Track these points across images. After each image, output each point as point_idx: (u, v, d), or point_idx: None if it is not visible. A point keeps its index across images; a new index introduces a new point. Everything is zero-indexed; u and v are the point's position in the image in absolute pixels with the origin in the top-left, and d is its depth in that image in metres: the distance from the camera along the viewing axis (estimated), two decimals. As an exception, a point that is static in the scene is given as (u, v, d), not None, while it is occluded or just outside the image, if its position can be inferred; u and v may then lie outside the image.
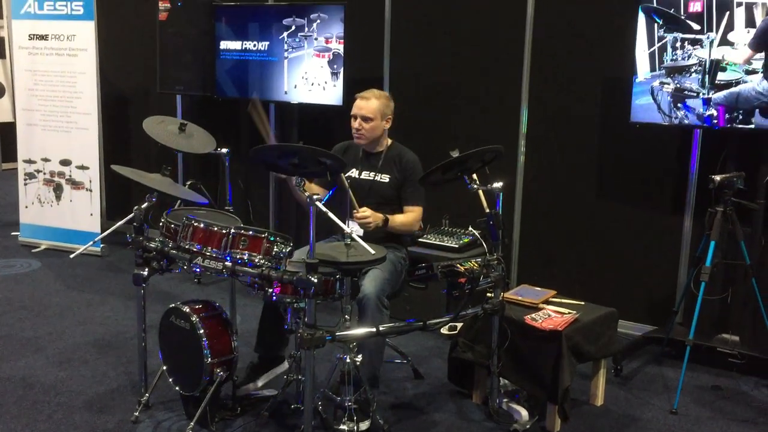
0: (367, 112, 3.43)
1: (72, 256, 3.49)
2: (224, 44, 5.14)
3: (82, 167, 5.69)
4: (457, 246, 4.35)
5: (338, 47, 4.72)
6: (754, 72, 3.50)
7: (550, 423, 3.16)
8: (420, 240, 4.43)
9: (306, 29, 4.82)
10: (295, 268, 2.86)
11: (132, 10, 6.06)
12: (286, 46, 4.90)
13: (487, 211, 3.08)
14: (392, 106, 3.52)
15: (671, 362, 3.92)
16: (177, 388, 3.16)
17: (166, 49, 5.31)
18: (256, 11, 5.08)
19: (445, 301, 4.07)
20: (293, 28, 4.87)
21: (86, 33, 5.57)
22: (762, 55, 3.48)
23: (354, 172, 3.54)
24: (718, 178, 3.51)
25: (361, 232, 3.30)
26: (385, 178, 3.48)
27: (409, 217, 3.50)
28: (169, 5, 5.22)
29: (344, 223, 2.85)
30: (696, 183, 4.09)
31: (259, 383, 3.35)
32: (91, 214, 5.70)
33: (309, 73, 4.85)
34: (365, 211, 3.29)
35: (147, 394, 3.23)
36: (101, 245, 5.68)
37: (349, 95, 4.49)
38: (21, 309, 4.52)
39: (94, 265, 5.50)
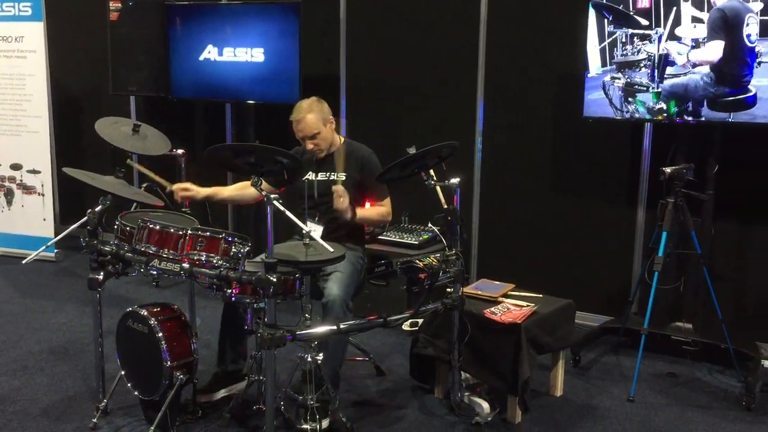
0: (310, 131, 3.41)
1: (25, 261, 3.41)
2: (177, 44, 5.07)
3: (34, 171, 5.57)
4: (416, 242, 4.37)
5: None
6: (700, 65, 3.59)
7: (511, 414, 3.21)
8: (380, 237, 4.44)
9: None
10: (254, 268, 2.84)
11: (82, 10, 5.95)
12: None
13: (445, 206, 3.11)
14: (325, 106, 3.49)
15: (628, 351, 4.00)
16: (136, 392, 3.11)
17: (117, 50, 5.23)
18: (210, 10, 5.02)
19: (406, 298, 4.09)
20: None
21: (35, 34, 5.46)
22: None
23: (311, 175, 3.53)
24: (668, 170, 3.60)
25: (318, 233, 3.29)
26: (342, 176, 3.48)
27: (376, 209, 3.53)
28: (120, 5, 5.13)
29: (303, 223, 2.84)
30: (648, 175, 4.19)
31: (218, 396, 3.31)
32: (44, 219, 5.59)
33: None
34: (339, 188, 3.28)
35: (105, 400, 3.18)
36: (55, 250, 5.57)
37: (306, 94, 4.48)
38: (-28, 318, 4.41)
39: (49, 270, 5.39)
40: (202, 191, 3.51)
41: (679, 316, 3.97)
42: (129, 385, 3.13)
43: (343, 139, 3.59)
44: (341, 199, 3.28)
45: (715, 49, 3.52)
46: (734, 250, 4.04)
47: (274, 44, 4.75)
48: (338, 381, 3.29)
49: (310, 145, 3.44)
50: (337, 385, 3.26)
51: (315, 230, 3.30)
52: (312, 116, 3.40)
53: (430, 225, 4.51)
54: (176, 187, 3.46)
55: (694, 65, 3.60)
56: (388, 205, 3.55)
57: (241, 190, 3.63)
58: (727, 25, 3.47)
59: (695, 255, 3.70)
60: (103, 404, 3.17)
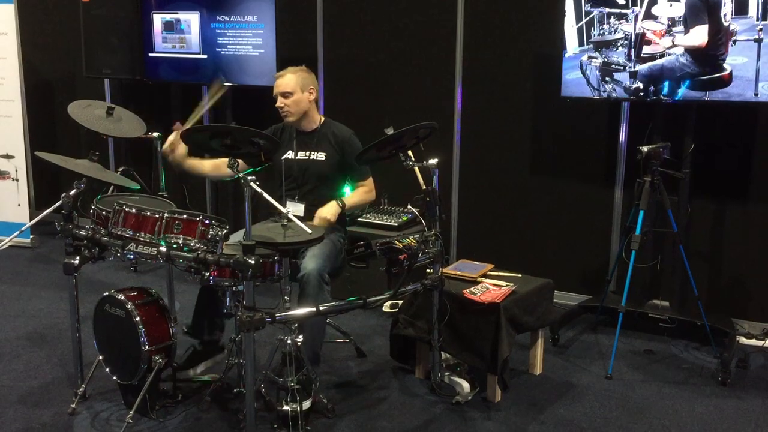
0: (285, 88, 3.41)
1: (-1, 247, 3.37)
2: (153, 25, 5.00)
3: (7, 156, 5.49)
4: (396, 224, 4.37)
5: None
6: (676, 46, 3.60)
7: (491, 393, 3.23)
8: (359, 219, 4.44)
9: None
10: (232, 250, 2.82)
11: (54, -9, 5.85)
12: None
13: (424, 187, 3.10)
14: (313, 78, 3.50)
15: (606, 329, 4.04)
16: (114, 377, 3.09)
17: (91, 32, 5.14)
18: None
19: (385, 279, 4.08)
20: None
21: (6, 16, 5.36)
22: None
23: (290, 154, 3.51)
24: (645, 149, 3.61)
25: (299, 212, 3.29)
26: (321, 156, 3.46)
27: (360, 191, 3.53)
28: (92, -14, 5.05)
29: (280, 204, 2.82)
30: (625, 154, 4.21)
31: (198, 370, 3.30)
32: (19, 205, 5.51)
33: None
34: (321, 213, 3.31)
35: (83, 386, 3.15)
36: (31, 236, 5.50)
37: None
38: (-53, 305, 4.35)
39: (24, 256, 5.32)
40: (186, 157, 3.41)
41: (656, 294, 4.01)
42: (107, 370, 3.11)
43: (323, 119, 3.57)
44: (327, 219, 3.31)
45: (700, 34, 3.52)
46: (710, 228, 4.09)
47: (250, 25, 4.70)
48: (318, 360, 3.29)
49: (280, 103, 3.43)
50: (317, 363, 3.27)
51: (296, 209, 3.29)
52: (293, 76, 3.42)
53: (409, 207, 4.51)
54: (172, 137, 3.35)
55: (672, 46, 3.60)
56: (370, 184, 3.55)
57: (219, 167, 3.54)
58: (707, 6, 3.48)
59: (672, 233, 3.73)
60: (81, 389, 3.14)
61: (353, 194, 3.54)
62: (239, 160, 2.83)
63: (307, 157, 3.49)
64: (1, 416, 3.08)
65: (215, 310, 3.29)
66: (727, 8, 3.44)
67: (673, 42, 3.59)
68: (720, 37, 3.48)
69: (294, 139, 3.52)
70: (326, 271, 3.19)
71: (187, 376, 3.27)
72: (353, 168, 3.47)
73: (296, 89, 3.42)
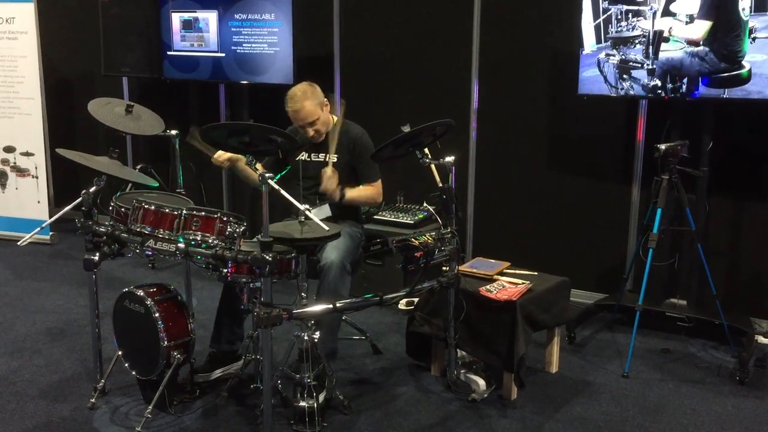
0: (309, 117, 3.40)
1: (20, 243, 3.40)
2: (170, 24, 5.04)
3: (27, 154, 5.55)
4: (412, 222, 4.38)
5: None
6: (696, 44, 3.58)
7: (507, 391, 3.23)
8: (375, 217, 4.44)
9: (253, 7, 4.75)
10: (250, 247, 2.84)
11: (73, -10, 5.90)
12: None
13: (440, 185, 3.11)
14: (319, 90, 3.46)
15: (622, 328, 4.02)
16: (133, 372, 3.12)
17: (109, 31, 5.19)
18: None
19: (402, 277, 4.09)
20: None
21: (26, 15, 5.42)
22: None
23: (303, 155, 3.52)
24: (663, 146, 3.59)
25: (324, 214, 3.31)
26: (334, 157, 3.48)
27: (366, 190, 3.52)
28: (111, -15, 5.10)
29: (298, 202, 2.83)
30: (643, 152, 4.19)
31: (214, 375, 3.32)
32: (39, 202, 5.58)
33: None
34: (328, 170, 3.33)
35: (103, 381, 3.19)
36: (50, 233, 5.56)
37: (300, 74, 4.46)
38: (-31, 300, 4.41)
39: (44, 253, 5.38)
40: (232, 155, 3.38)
41: (674, 293, 3.99)
42: (126, 365, 3.14)
43: (335, 119, 3.58)
44: (329, 181, 3.31)
45: (700, 28, 3.50)
46: (728, 227, 4.06)
47: (268, 23, 4.72)
48: (335, 354, 3.30)
49: (311, 132, 3.43)
50: (334, 358, 3.30)
51: (322, 211, 3.31)
52: (309, 103, 3.39)
53: (425, 204, 4.52)
54: (218, 154, 3.36)
55: (690, 44, 3.58)
56: (378, 186, 3.55)
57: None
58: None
59: (690, 231, 3.71)
60: (100, 384, 3.18)
61: (358, 189, 3.52)
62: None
63: (320, 159, 3.51)
64: (21, 410, 3.12)
65: (236, 318, 3.31)
66: (745, 2, 3.41)
67: (669, 31, 3.56)
68: (736, 32, 3.45)
69: (308, 141, 3.53)
70: (348, 261, 3.22)
71: (206, 378, 3.29)
72: (362, 168, 3.48)
73: (318, 112, 3.42)
